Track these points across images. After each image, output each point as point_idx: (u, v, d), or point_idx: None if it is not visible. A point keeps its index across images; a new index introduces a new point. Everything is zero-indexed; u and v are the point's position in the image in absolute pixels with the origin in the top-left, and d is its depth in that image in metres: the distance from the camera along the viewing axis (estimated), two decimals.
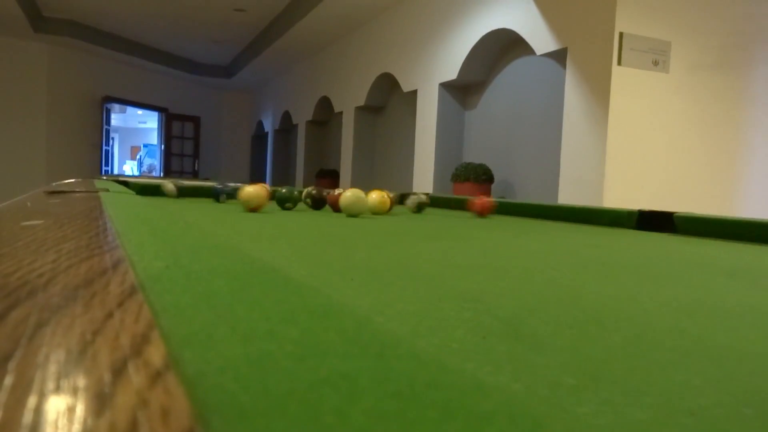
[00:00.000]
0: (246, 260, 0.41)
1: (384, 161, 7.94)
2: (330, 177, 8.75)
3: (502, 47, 5.48)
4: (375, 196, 2.11)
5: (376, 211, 2.11)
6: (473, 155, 6.01)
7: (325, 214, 2.02)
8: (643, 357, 0.42)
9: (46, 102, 9.61)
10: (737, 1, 4.37)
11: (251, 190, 1.95)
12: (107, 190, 1.57)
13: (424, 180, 6.21)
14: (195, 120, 12.56)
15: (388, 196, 2.14)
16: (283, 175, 11.87)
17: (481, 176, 5.09)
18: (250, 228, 1.35)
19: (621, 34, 3.92)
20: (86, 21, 9.13)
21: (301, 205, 2.38)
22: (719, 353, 0.44)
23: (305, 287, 0.32)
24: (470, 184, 5.08)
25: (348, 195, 1.92)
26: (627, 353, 0.42)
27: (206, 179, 10.96)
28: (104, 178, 3.92)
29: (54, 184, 2.31)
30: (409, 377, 0.19)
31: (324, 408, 0.16)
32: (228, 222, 1.50)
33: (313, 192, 2.32)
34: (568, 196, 4.28)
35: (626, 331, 0.50)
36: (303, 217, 1.81)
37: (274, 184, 11.49)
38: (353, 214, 1.92)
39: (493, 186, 5.52)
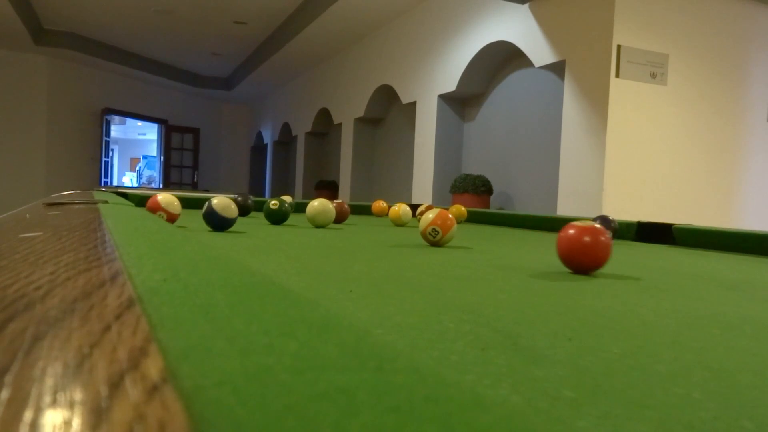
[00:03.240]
0: (244, 272, 0.41)
1: (383, 172, 7.95)
2: (329, 188, 8.76)
3: (501, 59, 5.51)
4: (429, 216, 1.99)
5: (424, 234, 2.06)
6: (472, 167, 6.03)
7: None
8: (643, 370, 0.41)
9: (46, 113, 9.64)
10: (733, 14, 4.40)
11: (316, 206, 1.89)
12: (106, 202, 1.57)
13: (423, 191, 6.22)
14: (194, 131, 12.60)
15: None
16: (283, 187, 11.89)
17: (480, 188, 5.11)
18: (248, 240, 1.35)
19: (619, 47, 3.94)
20: (86, 33, 9.18)
21: (301, 220, 2.37)
22: (719, 366, 0.44)
23: (304, 300, 0.32)
24: (469, 195, 5.10)
25: (315, 205, 1.89)
26: (626, 366, 0.42)
27: (206, 191, 10.98)
28: (103, 189, 3.92)
29: (53, 195, 2.31)
30: (408, 391, 0.19)
31: (322, 422, 0.16)
32: (229, 234, 1.50)
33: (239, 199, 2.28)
34: (567, 207, 4.28)
35: (625, 344, 0.49)
36: (300, 229, 1.81)
37: (272, 195, 11.49)
38: (320, 225, 1.90)
39: (492, 198, 5.53)
